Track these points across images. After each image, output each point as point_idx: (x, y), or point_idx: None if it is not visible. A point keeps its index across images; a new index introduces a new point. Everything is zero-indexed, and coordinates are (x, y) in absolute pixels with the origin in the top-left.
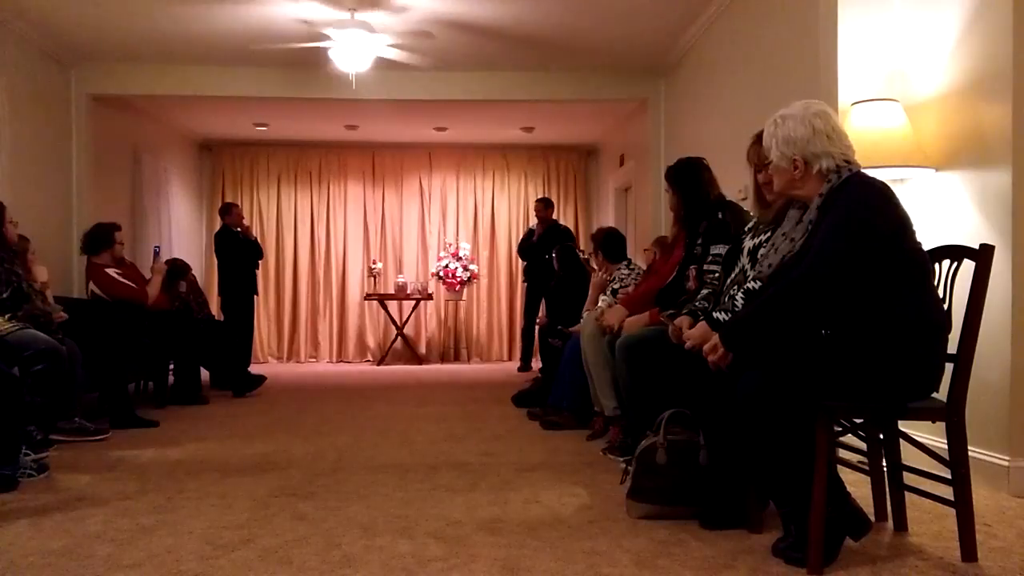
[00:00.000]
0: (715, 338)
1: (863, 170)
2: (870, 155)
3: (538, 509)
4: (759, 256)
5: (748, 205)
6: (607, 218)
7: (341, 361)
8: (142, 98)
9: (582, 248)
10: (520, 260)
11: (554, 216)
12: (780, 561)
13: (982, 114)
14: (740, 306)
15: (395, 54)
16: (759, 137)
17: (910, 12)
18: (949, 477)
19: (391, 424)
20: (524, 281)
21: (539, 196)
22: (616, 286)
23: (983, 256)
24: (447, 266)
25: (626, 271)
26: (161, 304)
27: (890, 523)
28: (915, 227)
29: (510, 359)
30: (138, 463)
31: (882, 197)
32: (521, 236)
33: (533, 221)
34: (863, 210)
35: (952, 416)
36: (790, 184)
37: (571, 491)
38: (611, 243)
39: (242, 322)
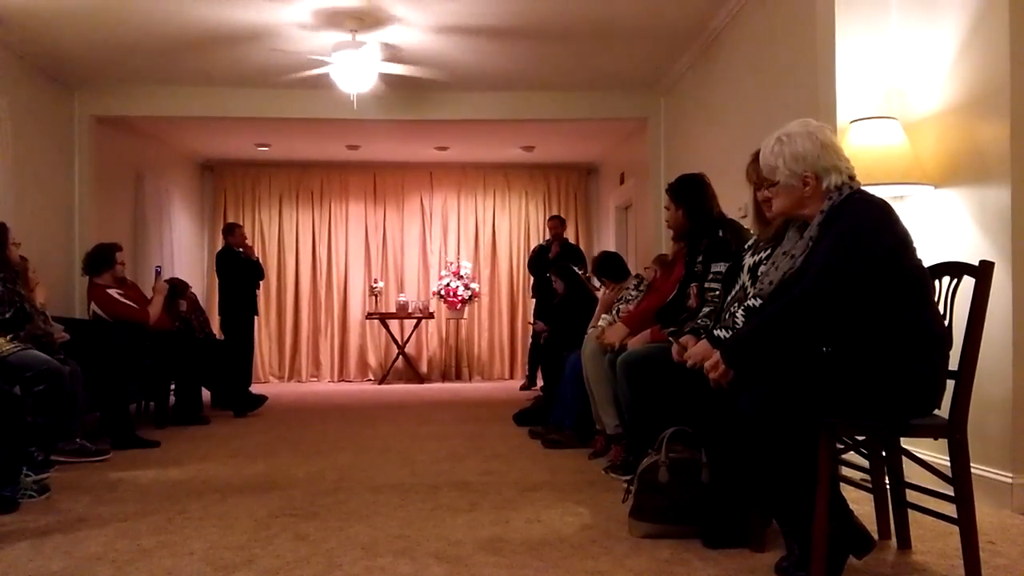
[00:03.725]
0: (716, 356)
1: (863, 187)
2: (869, 172)
3: (540, 528)
4: (759, 274)
5: (748, 223)
6: (608, 236)
7: (342, 380)
8: (144, 119)
9: (584, 268)
10: (530, 276)
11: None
12: None
13: (980, 131)
14: (741, 323)
15: (396, 75)
16: (758, 155)
17: (907, 30)
18: (952, 494)
19: (392, 443)
20: (533, 297)
21: (541, 214)
22: (621, 305)
23: (983, 272)
24: (448, 285)
25: (635, 292)
26: (163, 324)
27: (893, 541)
28: (915, 244)
29: (511, 377)
30: (139, 484)
31: (883, 214)
32: (523, 252)
33: (534, 239)
34: (864, 227)
35: (954, 433)
36: (798, 203)
37: (573, 510)
38: (608, 266)
39: (243, 342)
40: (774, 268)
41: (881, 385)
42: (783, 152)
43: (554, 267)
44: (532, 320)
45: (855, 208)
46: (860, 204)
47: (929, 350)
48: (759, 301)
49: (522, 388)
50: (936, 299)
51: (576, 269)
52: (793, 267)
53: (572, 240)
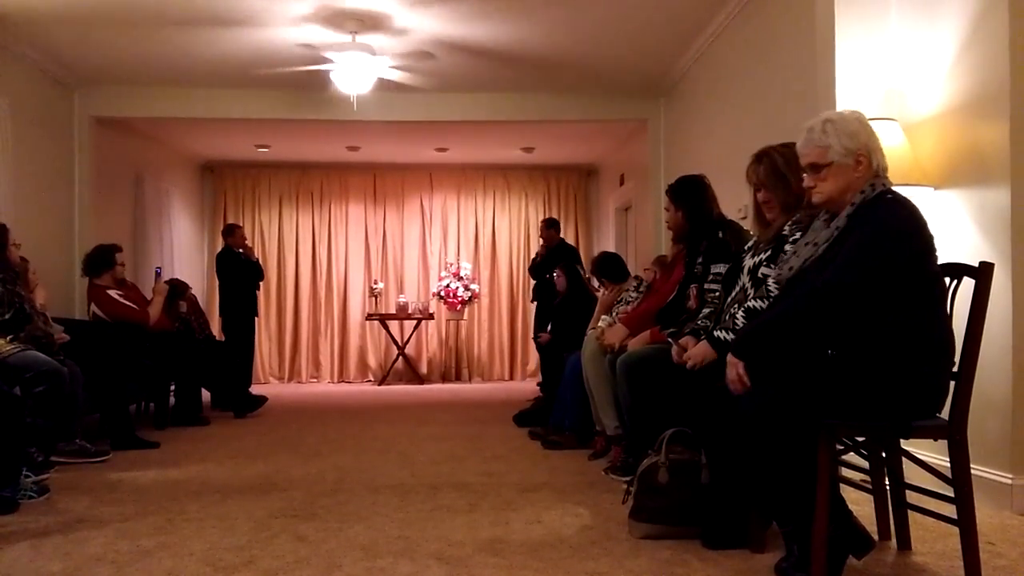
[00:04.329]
0: (737, 363)
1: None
2: None
3: (540, 529)
4: (759, 275)
5: (748, 224)
6: (607, 237)
7: (342, 381)
8: (145, 120)
9: (583, 269)
10: (531, 280)
11: (560, 235)
12: None
13: (980, 132)
14: (741, 324)
15: (396, 76)
16: (759, 156)
17: (907, 32)
18: (952, 495)
19: (392, 444)
20: (533, 301)
21: (541, 215)
22: (620, 306)
23: (983, 274)
24: (448, 285)
25: (635, 293)
26: (163, 325)
27: (893, 542)
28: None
29: (511, 378)
30: (138, 484)
31: (912, 218)
32: (523, 253)
33: (534, 241)
34: (894, 228)
35: (954, 434)
36: (847, 186)
37: (573, 511)
38: (608, 266)
39: (243, 343)
40: (795, 255)
41: (887, 387)
42: (836, 131)
43: (561, 264)
44: (534, 336)
45: (887, 207)
46: (892, 204)
47: (937, 354)
48: (759, 302)
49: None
50: None
51: (582, 271)
52: (815, 255)
53: (572, 241)
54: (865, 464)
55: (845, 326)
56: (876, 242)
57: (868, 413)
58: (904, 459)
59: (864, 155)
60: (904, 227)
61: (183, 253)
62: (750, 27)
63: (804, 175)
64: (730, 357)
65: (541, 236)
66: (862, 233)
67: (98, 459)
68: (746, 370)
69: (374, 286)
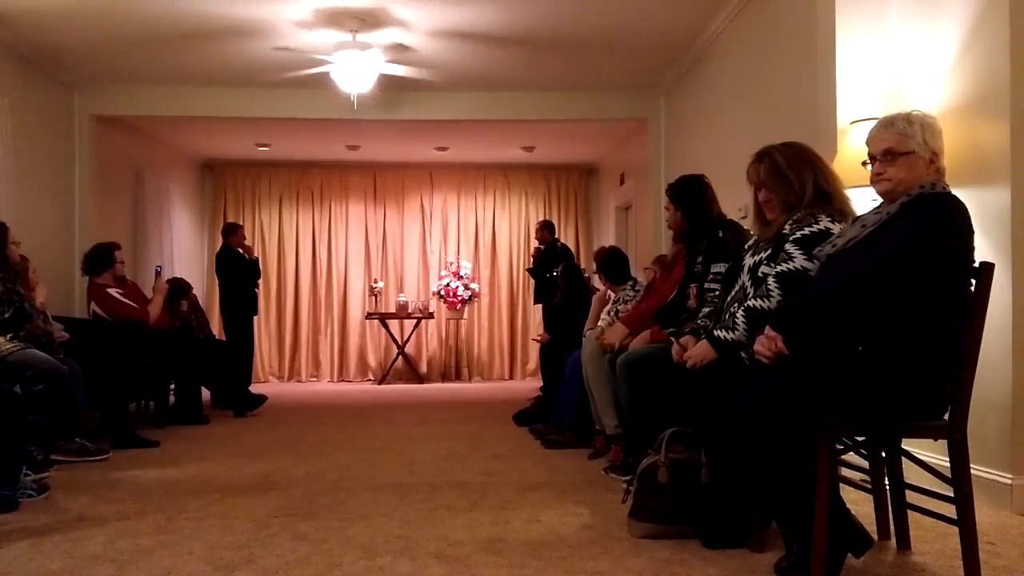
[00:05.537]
0: (772, 333)
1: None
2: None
3: (540, 528)
4: (779, 259)
5: (748, 223)
6: (608, 236)
7: (342, 380)
8: (145, 119)
9: (583, 267)
10: (531, 279)
11: (555, 235)
12: None
13: (980, 132)
14: (740, 324)
15: (396, 75)
16: (759, 156)
17: (907, 31)
18: (952, 495)
19: (392, 443)
20: (536, 303)
21: (541, 215)
22: (619, 306)
23: (983, 274)
24: (448, 285)
25: (632, 292)
26: (163, 324)
27: (893, 542)
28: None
29: (511, 378)
30: (138, 483)
31: (965, 220)
32: (523, 252)
33: (534, 240)
34: (948, 224)
35: (954, 434)
36: (915, 178)
37: (573, 510)
38: (613, 265)
39: (243, 341)
40: (840, 236)
41: (903, 389)
42: (922, 125)
43: (563, 265)
44: (540, 334)
45: (944, 205)
46: (949, 201)
47: (952, 357)
48: (759, 301)
49: None
50: None
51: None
52: (860, 235)
53: (572, 240)
54: (865, 464)
55: (883, 313)
56: (928, 231)
57: (875, 414)
58: (904, 459)
59: (937, 156)
60: (956, 226)
61: (183, 252)
62: (750, 27)
63: (870, 163)
64: (768, 330)
65: (536, 237)
66: (915, 220)
67: (98, 458)
68: (784, 344)
69: (374, 285)
